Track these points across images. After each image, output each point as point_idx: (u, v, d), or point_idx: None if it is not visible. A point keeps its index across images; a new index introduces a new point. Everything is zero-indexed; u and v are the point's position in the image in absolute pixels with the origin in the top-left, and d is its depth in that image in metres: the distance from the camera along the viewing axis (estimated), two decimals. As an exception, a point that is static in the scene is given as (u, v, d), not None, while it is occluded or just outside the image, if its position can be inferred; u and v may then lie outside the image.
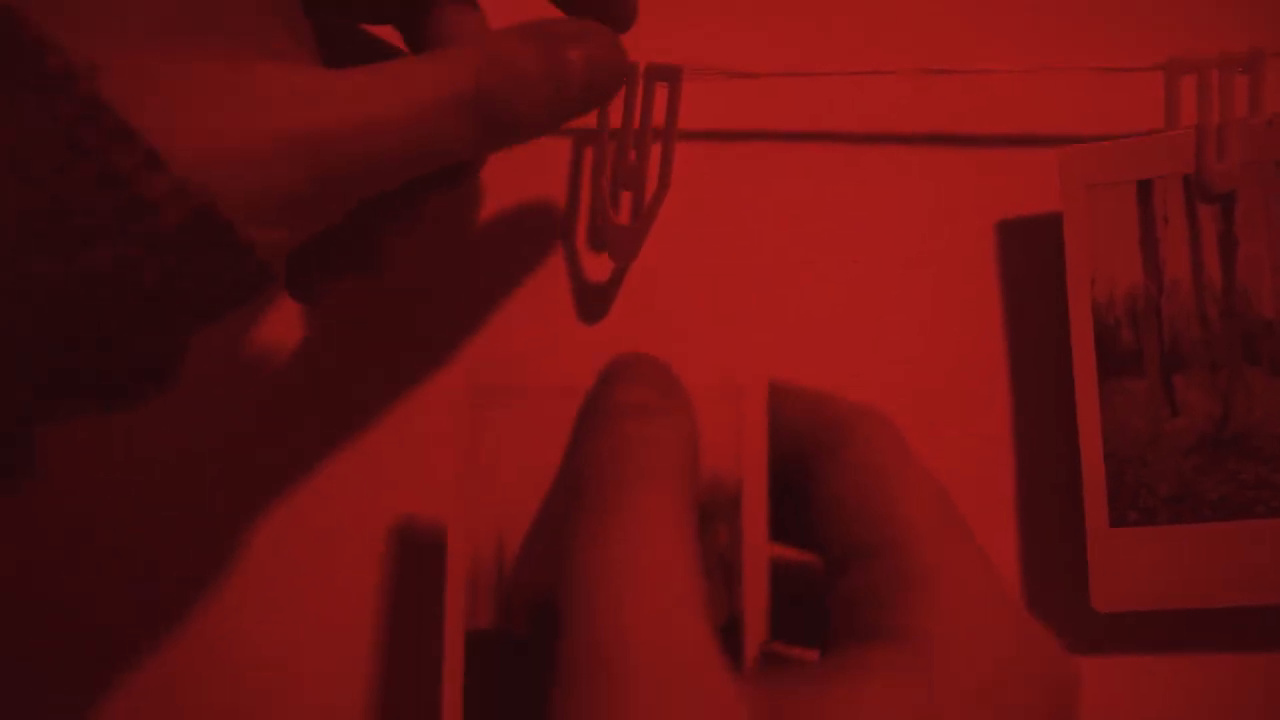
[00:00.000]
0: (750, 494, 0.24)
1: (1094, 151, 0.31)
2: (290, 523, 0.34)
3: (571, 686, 0.18)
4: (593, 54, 0.27)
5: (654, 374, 0.23)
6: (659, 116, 0.32)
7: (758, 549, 0.23)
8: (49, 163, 0.20)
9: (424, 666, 0.31)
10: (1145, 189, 0.30)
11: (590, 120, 0.33)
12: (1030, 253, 0.32)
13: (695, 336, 0.34)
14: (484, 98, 0.25)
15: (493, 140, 0.26)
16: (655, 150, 0.32)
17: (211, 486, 0.34)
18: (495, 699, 0.25)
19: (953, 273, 0.33)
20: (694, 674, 0.19)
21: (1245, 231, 0.29)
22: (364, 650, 0.33)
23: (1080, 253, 0.30)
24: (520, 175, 0.34)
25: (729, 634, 0.23)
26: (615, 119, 0.33)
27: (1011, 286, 0.33)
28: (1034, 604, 0.32)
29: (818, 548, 0.23)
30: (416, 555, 0.33)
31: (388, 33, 0.31)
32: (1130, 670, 0.31)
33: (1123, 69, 0.31)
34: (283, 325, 0.35)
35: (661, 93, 0.32)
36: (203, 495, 0.34)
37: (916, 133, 0.34)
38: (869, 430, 0.22)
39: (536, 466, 0.25)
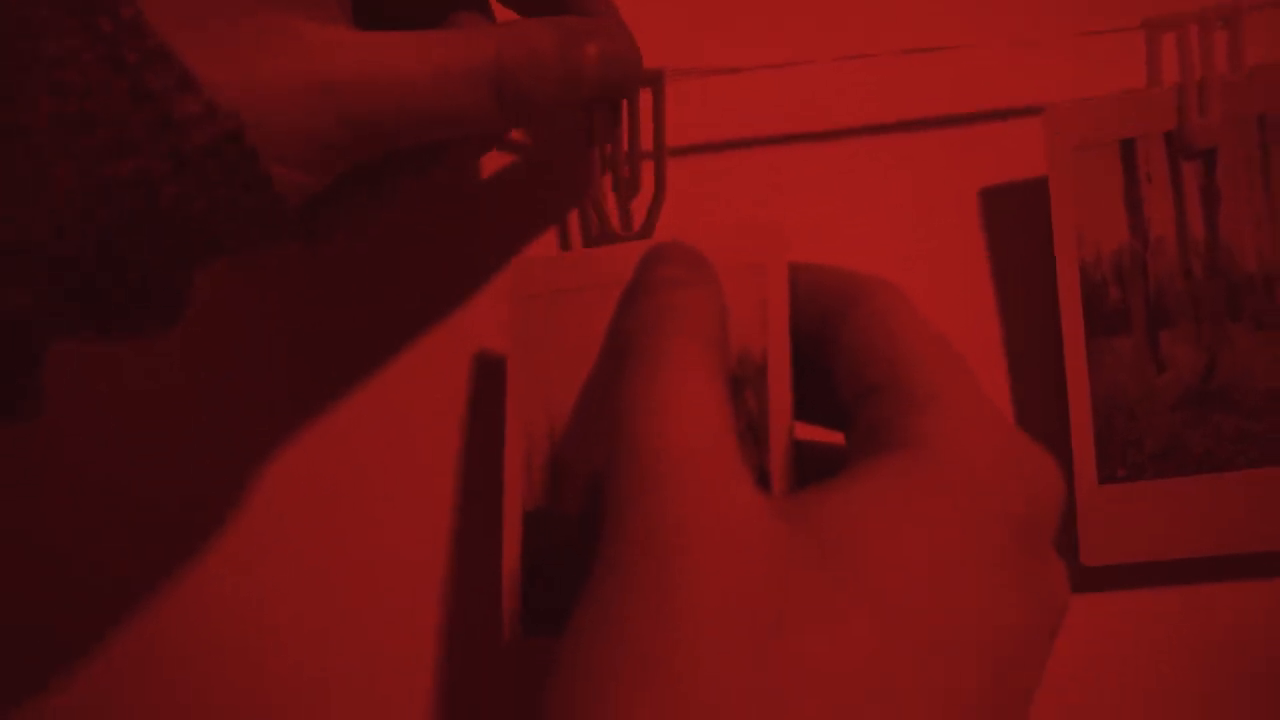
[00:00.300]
0: (775, 358, 0.26)
1: (1077, 111, 0.31)
2: (358, 416, 0.35)
3: (618, 493, 0.21)
4: (607, 48, 0.28)
5: (686, 255, 0.26)
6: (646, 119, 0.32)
7: (782, 406, 0.26)
8: (86, 75, 0.22)
9: (484, 549, 0.32)
10: (1128, 148, 0.30)
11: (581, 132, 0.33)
12: (1015, 217, 0.33)
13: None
14: (503, 72, 0.26)
15: (506, 115, 0.27)
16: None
17: (229, 422, 0.35)
18: (550, 572, 0.27)
19: (938, 241, 0.33)
20: (723, 482, 0.21)
21: (1227, 187, 0.30)
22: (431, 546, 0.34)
23: (1066, 213, 0.31)
24: (523, 184, 0.35)
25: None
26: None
27: (996, 251, 0.33)
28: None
29: (840, 416, 0.25)
30: (472, 445, 0.34)
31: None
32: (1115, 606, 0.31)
33: (1103, 31, 0.31)
34: (277, 294, 0.36)
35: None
36: (217, 435, 0.35)
37: (902, 114, 0.34)
38: (875, 290, 0.25)
39: (581, 357, 0.28)
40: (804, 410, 0.27)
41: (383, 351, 0.35)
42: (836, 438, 0.27)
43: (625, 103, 0.32)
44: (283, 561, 0.34)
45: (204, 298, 0.28)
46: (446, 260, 0.35)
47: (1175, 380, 0.30)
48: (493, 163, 0.36)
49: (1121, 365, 0.30)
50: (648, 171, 0.32)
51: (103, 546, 0.35)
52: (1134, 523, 0.30)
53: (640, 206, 0.32)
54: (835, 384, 0.25)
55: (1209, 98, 0.30)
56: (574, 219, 0.35)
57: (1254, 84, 0.30)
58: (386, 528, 0.34)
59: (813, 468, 0.25)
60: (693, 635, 0.19)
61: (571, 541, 0.25)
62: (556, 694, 0.20)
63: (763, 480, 0.26)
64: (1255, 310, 0.29)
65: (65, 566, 0.36)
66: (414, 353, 0.35)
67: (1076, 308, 0.30)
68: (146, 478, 0.36)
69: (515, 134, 0.35)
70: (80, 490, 0.36)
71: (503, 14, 0.31)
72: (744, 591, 0.19)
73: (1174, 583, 0.31)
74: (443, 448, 0.34)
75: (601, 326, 0.28)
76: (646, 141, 0.32)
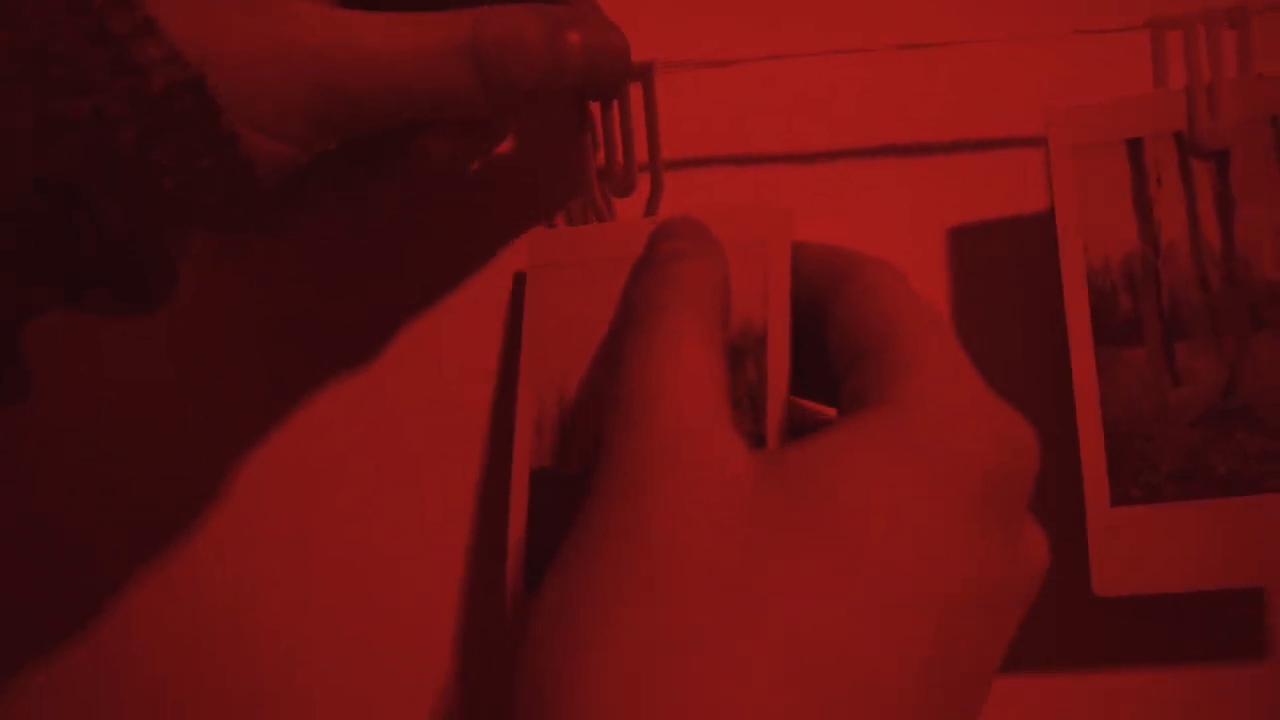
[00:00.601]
0: (774, 330, 0.27)
1: (1082, 112, 0.29)
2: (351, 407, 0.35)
3: (609, 443, 0.22)
4: (592, 36, 0.28)
5: (693, 230, 0.27)
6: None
7: (780, 374, 0.27)
8: (48, 13, 0.22)
9: (493, 504, 0.33)
10: (1136, 148, 0.29)
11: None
12: (1018, 228, 0.31)
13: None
14: (481, 49, 0.26)
15: (491, 97, 0.27)
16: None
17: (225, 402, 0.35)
18: (553, 529, 0.28)
19: (931, 264, 0.32)
20: (705, 432, 0.22)
21: (1242, 191, 0.28)
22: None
23: (1071, 217, 0.29)
24: (519, 181, 0.34)
25: None
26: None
27: (999, 261, 0.31)
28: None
29: (835, 389, 0.25)
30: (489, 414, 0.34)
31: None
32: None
33: (1106, 30, 0.29)
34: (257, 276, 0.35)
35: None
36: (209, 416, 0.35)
37: (898, 111, 0.32)
38: (868, 265, 0.25)
39: (593, 326, 0.29)
40: (804, 386, 0.27)
41: (374, 339, 0.35)
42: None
43: (617, 102, 0.31)
44: (283, 544, 0.34)
45: (195, 283, 0.29)
46: (439, 254, 0.35)
47: (1193, 395, 0.27)
48: (489, 160, 0.35)
49: (1134, 379, 0.28)
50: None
51: (97, 533, 0.35)
52: (1151, 550, 0.27)
53: (634, 206, 0.31)
54: (830, 356, 0.25)
55: (1219, 98, 0.28)
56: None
57: (1265, 84, 0.28)
58: (386, 512, 0.34)
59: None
60: (662, 560, 0.20)
61: (574, 499, 0.25)
62: (538, 615, 0.21)
63: (759, 445, 0.26)
64: (1278, 321, 0.27)
65: (55, 553, 0.35)
66: (404, 339, 0.34)
67: (1084, 316, 0.28)
68: (136, 461, 0.35)
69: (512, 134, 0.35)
70: (72, 481, 0.35)
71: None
72: (713, 525, 0.20)
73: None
74: (438, 430, 0.34)
75: (613, 297, 0.29)
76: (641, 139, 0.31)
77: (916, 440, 0.22)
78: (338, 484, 0.34)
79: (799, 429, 0.26)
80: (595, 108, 0.31)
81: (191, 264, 0.27)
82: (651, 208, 0.31)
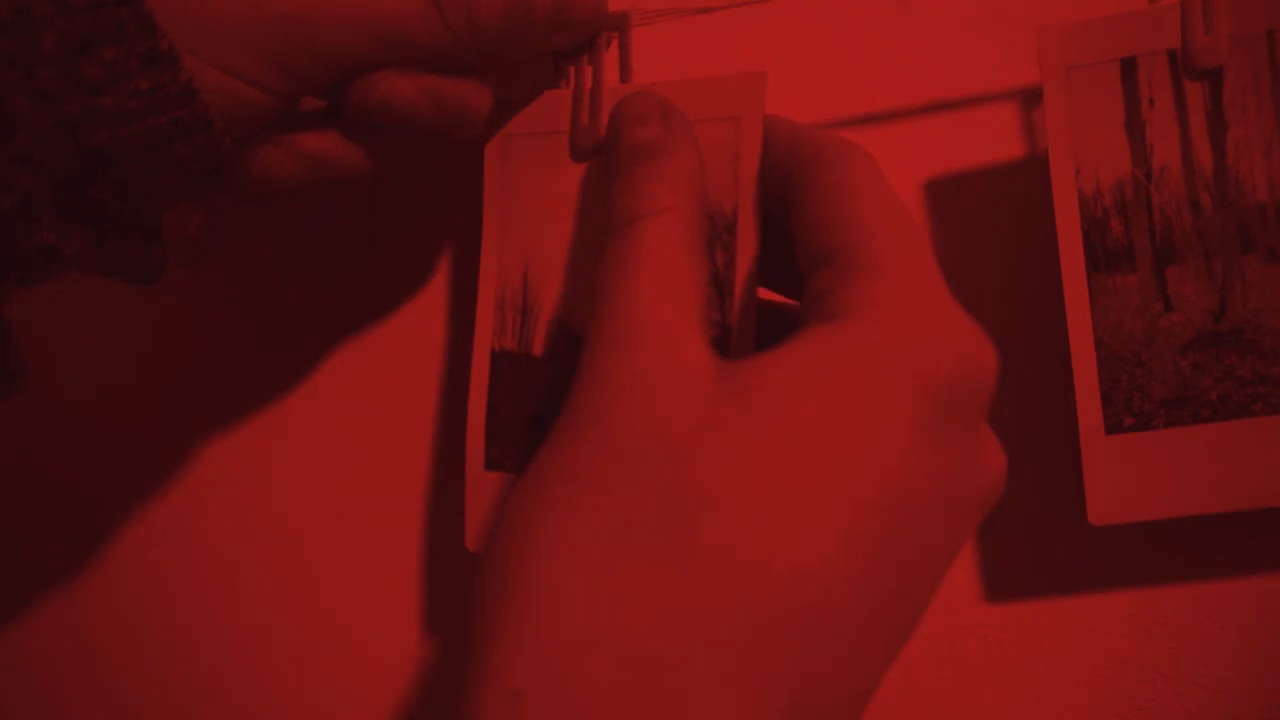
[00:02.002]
0: (743, 218, 0.26)
1: (1075, 30, 0.28)
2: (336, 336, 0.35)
3: (589, 354, 0.23)
4: None
5: (657, 110, 0.26)
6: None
7: (748, 265, 0.26)
8: None
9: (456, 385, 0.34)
10: (1129, 68, 0.28)
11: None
12: (1002, 175, 0.31)
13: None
14: None
15: (454, 39, 0.26)
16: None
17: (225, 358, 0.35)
18: (512, 410, 0.28)
19: (917, 205, 0.31)
20: (673, 344, 0.23)
21: (1234, 111, 0.27)
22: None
23: (1064, 141, 0.28)
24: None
25: (720, 345, 0.26)
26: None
27: (990, 190, 0.30)
28: (1025, 521, 0.30)
29: (799, 280, 0.25)
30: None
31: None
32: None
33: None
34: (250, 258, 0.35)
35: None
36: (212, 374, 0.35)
37: (879, 47, 0.31)
38: (839, 156, 0.24)
39: (554, 200, 0.28)
40: (771, 277, 0.27)
41: (342, 314, 0.35)
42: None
43: (590, 65, 0.30)
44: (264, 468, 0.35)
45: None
46: (408, 217, 0.34)
47: (1185, 320, 0.27)
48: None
49: (1126, 305, 0.28)
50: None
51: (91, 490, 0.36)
52: (1145, 477, 0.27)
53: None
54: (795, 250, 0.24)
55: (1214, 12, 0.27)
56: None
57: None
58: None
59: (776, 327, 0.25)
60: (615, 458, 0.21)
61: (534, 381, 0.25)
62: (508, 505, 0.22)
63: (724, 335, 0.26)
64: (1268, 243, 0.27)
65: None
66: (370, 299, 0.35)
67: (1076, 243, 0.28)
68: (129, 421, 0.36)
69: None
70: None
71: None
72: (667, 428, 0.21)
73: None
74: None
75: (576, 171, 0.28)
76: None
77: (872, 355, 0.22)
78: (310, 435, 0.34)
79: (763, 319, 0.26)
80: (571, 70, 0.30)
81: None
82: None
